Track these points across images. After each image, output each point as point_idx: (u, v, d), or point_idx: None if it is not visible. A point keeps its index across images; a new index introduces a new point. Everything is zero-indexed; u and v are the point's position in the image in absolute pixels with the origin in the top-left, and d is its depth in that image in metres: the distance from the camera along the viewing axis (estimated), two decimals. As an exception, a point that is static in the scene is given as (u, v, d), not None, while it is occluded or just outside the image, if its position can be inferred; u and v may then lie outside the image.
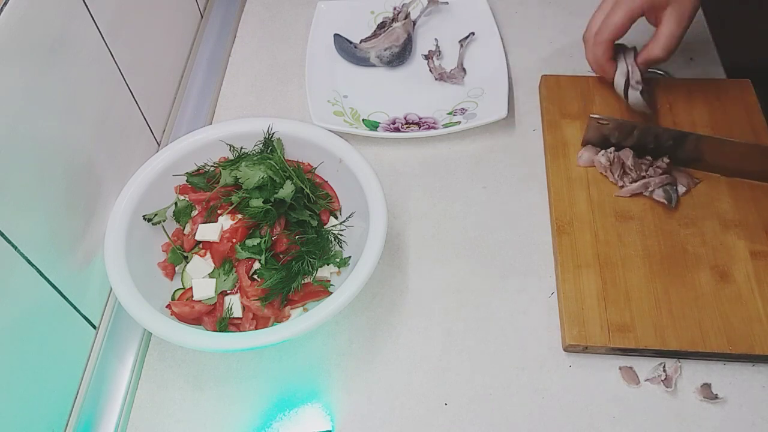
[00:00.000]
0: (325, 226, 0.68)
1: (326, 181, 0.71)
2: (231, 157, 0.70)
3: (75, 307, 0.60)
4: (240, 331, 0.63)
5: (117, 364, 0.62)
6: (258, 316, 0.62)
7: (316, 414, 0.60)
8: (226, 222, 0.66)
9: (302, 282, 0.64)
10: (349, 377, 0.63)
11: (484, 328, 0.65)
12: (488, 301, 0.67)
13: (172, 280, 0.66)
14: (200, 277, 0.64)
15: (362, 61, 0.87)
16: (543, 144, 0.78)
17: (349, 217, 0.68)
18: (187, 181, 0.69)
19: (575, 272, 0.66)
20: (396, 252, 0.71)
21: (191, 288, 0.64)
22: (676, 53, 0.73)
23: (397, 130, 0.80)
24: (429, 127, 0.80)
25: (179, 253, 0.67)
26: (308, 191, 0.67)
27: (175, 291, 0.65)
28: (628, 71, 0.74)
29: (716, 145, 0.70)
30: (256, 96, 0.86)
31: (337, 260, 0.65)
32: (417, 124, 0.81)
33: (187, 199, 0.69)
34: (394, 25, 0.88)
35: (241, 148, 0.70)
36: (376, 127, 0.80)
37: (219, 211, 0.67)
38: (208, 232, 0.65)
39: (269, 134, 0.70)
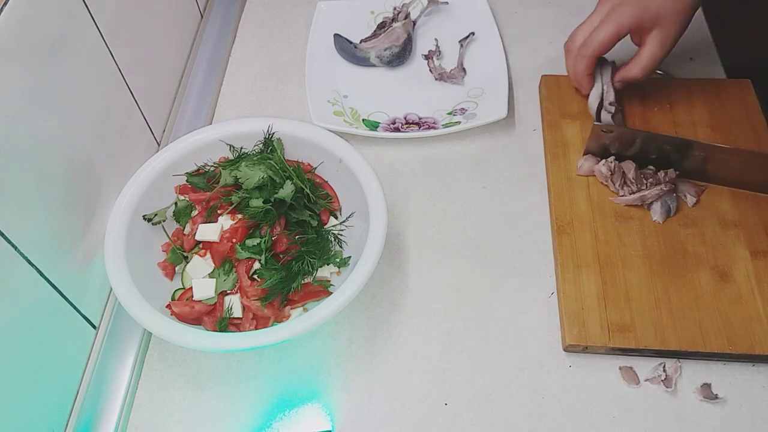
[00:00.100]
0: (325, 226, 0.68)
1: (326, 181, 0.71)
2: (231, 157, 0.70)
3: (75, 307, 0.60)
4: (240, 331, 0.63)
5: (117, 364, 0.62)
6: (258, 316, 0.62)
7: (316, 414, 0.60)
8: (226, 222, 0.66)
9: (302, 282, 0.64)
10: (349, 377, 0.63)
11: (484, 328, 0.65)
12: (488, 301, 0.67)
13: (172, 280, 0.66)
14: (200, 277, 0.64)
15: (362, 61, 0.87)
16: (543, 144, 0.78)
17: (349, 217, 0.68)
18: (187, 181, 0.69)
19: (575, 272, 0.66)
20: (396, 252, 0.71)
21: (191, 288, 0.64)
22: (677, 53, 0.73)
23: (397, 130, 0.80)
24: (429, 127, 0.80)
25: (179, 253, 0.67)
26: (308, 191, 0.67)
27: (175, 291, 0.65)
28: (602, 91, 0.74)
29: (720, 154, 0.69)
30: (256, 96, 0.86)
31: (337, 260, 0.65)
32: (417, 124, 0.81)
33: (187, 199, 0.69)
34: (394, 25, 0.88)
35: (241, 148, 0.70)
36: (376, 127, 0.80)
37: (219, 211, 0.67)
38: (208, 232, 0.65)
39: (269, 134, 0.69)
